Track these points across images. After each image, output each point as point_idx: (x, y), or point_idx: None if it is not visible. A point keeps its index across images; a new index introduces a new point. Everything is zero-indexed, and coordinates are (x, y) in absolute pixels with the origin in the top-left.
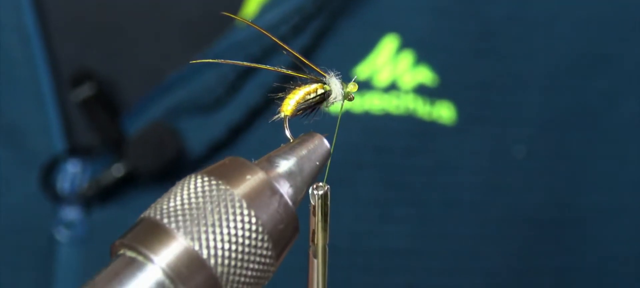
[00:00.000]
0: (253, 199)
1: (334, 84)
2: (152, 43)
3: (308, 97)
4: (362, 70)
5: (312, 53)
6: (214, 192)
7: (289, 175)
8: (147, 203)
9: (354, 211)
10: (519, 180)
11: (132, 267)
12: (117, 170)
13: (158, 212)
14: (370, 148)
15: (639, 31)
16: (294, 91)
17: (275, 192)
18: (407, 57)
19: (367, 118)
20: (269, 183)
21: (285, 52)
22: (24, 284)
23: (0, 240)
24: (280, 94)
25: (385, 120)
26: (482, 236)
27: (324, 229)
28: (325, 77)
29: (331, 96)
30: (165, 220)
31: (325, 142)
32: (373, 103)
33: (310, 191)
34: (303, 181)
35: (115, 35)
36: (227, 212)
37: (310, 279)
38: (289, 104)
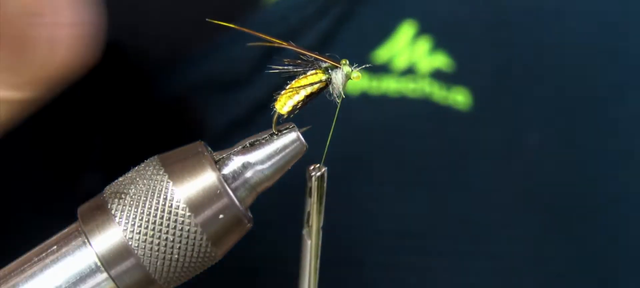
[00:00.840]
0: (194, 199)
1: (337, 78)
2: (178, 18)
3: (307, 96)
4: (381, 55)
5: (333, 37)
6: (160, 185)
7: (244, 173)
8: None
9: (368, 191)
10: (530, 167)
11: (74, 244)
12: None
13: (110, 195)
14: (386, 130)
15: None
16: (294, 88)
17: (220, 194)
18: (425, 42)
19: (384, 100)
20: (216, 183)
21: (291, 46)
22: None
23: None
24: (286, 75)
25: (402, 103)
26: (492, 221)
27: (319, 212)
28: (338, 67)
29: (331, 87)
30: (111, 205)
31: (302, 140)
32: (390, 86)
33: (306, 172)
34: (264, 177)
35: (141, 8)
36: (164, 209)
37: (303, 260)
38: (287, 104)
